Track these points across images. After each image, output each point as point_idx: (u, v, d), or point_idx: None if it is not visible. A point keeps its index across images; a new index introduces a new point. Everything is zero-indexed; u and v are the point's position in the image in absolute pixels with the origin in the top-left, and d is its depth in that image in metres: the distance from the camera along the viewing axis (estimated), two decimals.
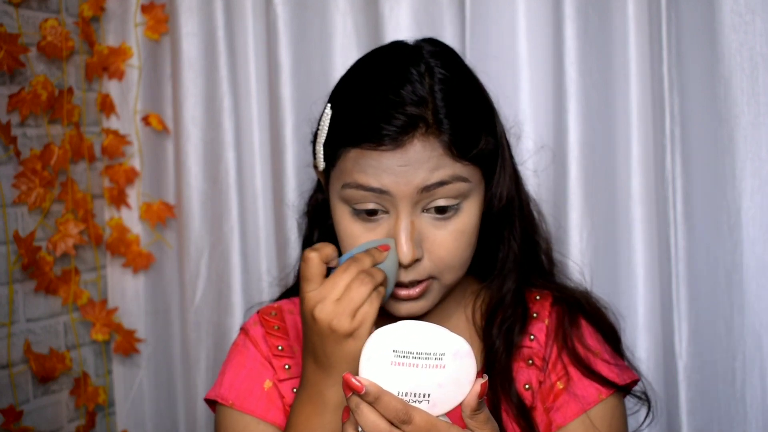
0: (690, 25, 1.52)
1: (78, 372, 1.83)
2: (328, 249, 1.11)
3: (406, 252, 1.10)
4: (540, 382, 1.20)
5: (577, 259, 1.59)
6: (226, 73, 1.82)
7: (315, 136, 1.19)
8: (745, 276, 1.49)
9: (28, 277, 1.73)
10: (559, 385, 1.19)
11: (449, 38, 1.71)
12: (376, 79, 1.13)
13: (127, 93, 1.91)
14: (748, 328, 1.49)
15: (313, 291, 1.08)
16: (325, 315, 1.05)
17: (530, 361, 1.20)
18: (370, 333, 1.03)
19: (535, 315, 1.23)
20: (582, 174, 1.61)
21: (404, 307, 1.15)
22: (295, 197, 1.71)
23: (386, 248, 1.11)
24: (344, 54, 1.77)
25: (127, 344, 1.90)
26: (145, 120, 1.88)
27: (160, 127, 1.88)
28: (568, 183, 1.61)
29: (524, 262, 1.24)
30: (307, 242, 1.32)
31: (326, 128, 1.15)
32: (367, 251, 1.10)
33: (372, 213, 1.13)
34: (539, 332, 1.22)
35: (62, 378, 1.80)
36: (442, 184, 1.10)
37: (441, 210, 1.12)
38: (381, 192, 1.10)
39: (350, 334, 1.05)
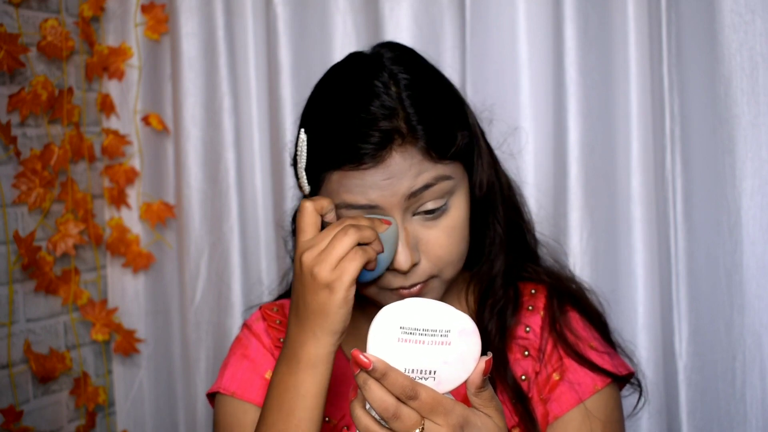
0: (690, 25, 1.52)
1: (78, 372, 1.83)
2: (323, 201, 1.11)
3: (404, 259, 1.12)
4: (536, 373, 1.21)
5: (577, 259, 1.59)
6: (226, 73, 1.82)
7: (294, 160, 1.19)
8: (745, 276, 1.49)
9: (28, 277, 1.73)
10: (555, 377, 1.20)
11: (449, 38, 1.72)
12: (342, 99, 1.14)
13: (127, 93, 1.91)
14: (748, 328, 1.49)
15: (305, 240, 1.09)
16: (310, 261, 1.06)
17: (526, 353, 1.21)
18: (348, 289, 1.05)
19: (530, 308, 1.25)
20: (582, 174, 1.61)
21: None
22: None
23: (388, 223, 1.12)
24: (344, 54, 1.75)
25: (127, 344, 1.90)
26: (145, 120, 1.88)
27: (160, 127, 1.88)
28: (568, 183, 1.61)
29: (510, 243, 1.26)
30: None
31: (304, 154, 1.16)
32: (370, 218, 1.11)
33: None
34: (534, 324, 1.23)
35: (62, 378, 1.80)
36: (427, 186, 1.11)
37: (430, 212, 1.13)
38: (370, 207, 1.11)
39: (328, 285, 1.05)
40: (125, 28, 1.90)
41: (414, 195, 1.11)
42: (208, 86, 1.83)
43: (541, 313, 1.24)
